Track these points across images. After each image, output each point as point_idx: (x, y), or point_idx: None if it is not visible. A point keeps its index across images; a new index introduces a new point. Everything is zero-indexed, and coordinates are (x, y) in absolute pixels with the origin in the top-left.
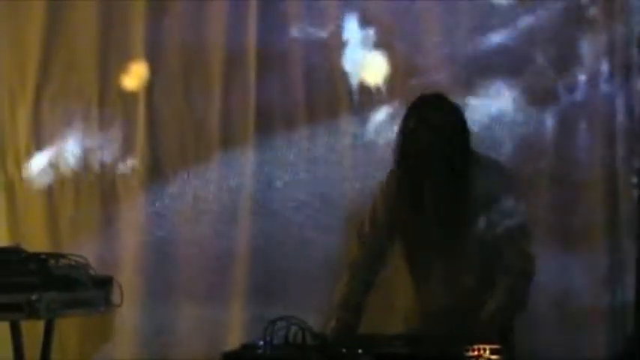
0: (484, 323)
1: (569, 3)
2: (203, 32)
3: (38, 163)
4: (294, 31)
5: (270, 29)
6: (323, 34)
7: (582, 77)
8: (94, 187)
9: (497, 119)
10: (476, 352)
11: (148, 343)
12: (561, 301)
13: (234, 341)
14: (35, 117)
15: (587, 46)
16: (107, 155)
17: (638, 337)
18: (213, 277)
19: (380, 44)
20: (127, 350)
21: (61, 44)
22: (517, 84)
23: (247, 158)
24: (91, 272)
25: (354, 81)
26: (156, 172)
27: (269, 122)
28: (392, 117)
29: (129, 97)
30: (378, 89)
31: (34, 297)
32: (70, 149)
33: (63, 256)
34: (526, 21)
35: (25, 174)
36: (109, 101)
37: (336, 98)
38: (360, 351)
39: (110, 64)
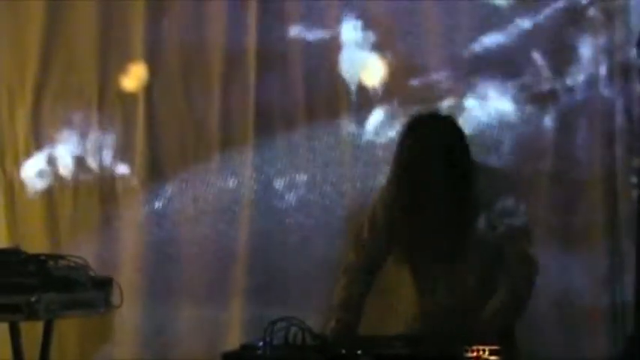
0: (484, 325)
1: (569, 3)
2: (203, 32)
3: (37, 164)
4: (294, 32)
5: (270, 29)
6: (323, 34)
7: (582, 77)
8: (93, 187)
9: (496, 119)
10: (475, 353)
11: (148, 344)
12: (561, 301)
13: (233, 341)
14: (34, 117)
15: (587, 47)
16: (106, 155)
17: (638, 337)
18: (212, 277)
19: (380, 44)
20: (127, 350)
21: (60, 44)
22: (517, 84)
23: (247, 158)
24: (91, 273)
25: (354, 81)
26: (155, 172)
27: (269, 122)
28: (391, 117)
29: (128, 97)
30: (377, 89)
31: (33, 298)
32: (69, 149)
33: (62, 257)
34: (526, 21)
35: (24, 174)
36: (108, 101)
37: (335, 98)
38: (359, 352)
39: (110, 64)
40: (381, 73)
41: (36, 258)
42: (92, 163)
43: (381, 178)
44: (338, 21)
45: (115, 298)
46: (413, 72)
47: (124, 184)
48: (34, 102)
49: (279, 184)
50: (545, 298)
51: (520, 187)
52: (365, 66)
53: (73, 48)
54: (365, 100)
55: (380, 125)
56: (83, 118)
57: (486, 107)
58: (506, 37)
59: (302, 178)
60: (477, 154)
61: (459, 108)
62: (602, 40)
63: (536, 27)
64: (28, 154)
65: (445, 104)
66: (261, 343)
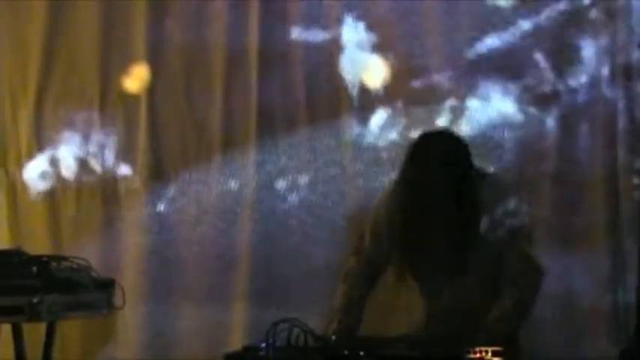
0: (488, 330)
1: (571, 4)
2: (204, 33)
3: (40, 165)
4: (296, 32)
5: (272, 30)
6: (324, 34)
7: (584, 78)
8: (95, 188)
9: (498, 121)
10: (478, 354)
11: (150, 345)
12: (563, 301)
13: (235, 343)
14: (36, 118)
15: (589, 48)
16: (108, 156)
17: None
18: (214, 278)
19: (381, 45)
20: (129, 352)
21: (62, 45)
22: (518, 85)
23: (248, 159)
24: (93, 274)
25: (355, 82)
26: (157, 173)
27: (270, 123)
28: (393, 118)
29: (130, 98)
30: (378, 90)
31: (35, 299)
32: (71, 150)
33: (64, 258)
34: (527, 22)
35: (26, 175)
36: (110, 102)
37: (337, 99)
38: (361, 353)
39: (112, 64)
40: (383, 74)
41: (38, 259)
42: (94, 164)
43: (382, 178)
44: (339, 22)
45: (118, 300)
46: (414, 73)
47: (127, 185)
48: (36, 103)
49: (280, 184)
50: (546, 299)
51: (522, 187)
52: (366, 67)
53: (75, 49)
54: (366, 100)
55: (381, 126)
56: (85, 119)
57: (488, 108)
58: (508, 38)
59: (303, 178)
60: (478, 155)
61: (461, 109)
62: (604, 41)
63: (538, 28)
64: (30, 156)
65: (446, 105)
66: (263, 345)
